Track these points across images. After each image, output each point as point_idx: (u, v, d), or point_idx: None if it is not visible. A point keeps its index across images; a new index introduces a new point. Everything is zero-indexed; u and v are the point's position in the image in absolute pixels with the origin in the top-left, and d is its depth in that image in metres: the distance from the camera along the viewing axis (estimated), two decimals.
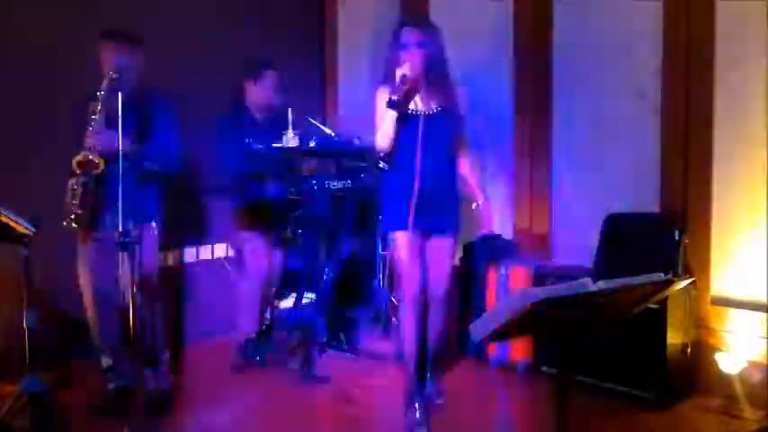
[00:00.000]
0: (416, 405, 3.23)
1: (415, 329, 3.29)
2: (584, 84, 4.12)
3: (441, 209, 3.24)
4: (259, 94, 4.17)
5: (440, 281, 3.33)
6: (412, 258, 3.25)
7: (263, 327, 4.46)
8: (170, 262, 4.54)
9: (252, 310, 4.25)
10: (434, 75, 3.18)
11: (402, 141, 3.19)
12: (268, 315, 4.51)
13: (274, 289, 4.51)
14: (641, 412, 3.37)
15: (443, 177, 3.26)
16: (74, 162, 3.12)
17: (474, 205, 3.40)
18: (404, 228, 3.20)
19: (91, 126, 3.13)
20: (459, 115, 3.27)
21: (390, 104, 3.07)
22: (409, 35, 3.15)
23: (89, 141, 3.12)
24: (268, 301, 4.42)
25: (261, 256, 4.22)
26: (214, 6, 4.72)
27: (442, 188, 3.24)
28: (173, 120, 3.46)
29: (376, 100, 3.25)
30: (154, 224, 3.42)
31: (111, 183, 2.93)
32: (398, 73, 3.08)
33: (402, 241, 3.25)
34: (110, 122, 3.08)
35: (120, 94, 2.95)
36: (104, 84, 3.10)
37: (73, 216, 3.14)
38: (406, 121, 3.18)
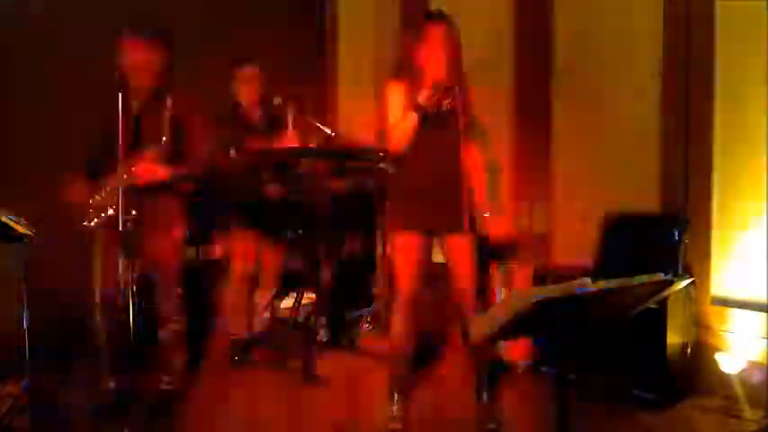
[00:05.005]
0: (395, 400, 3.23)
1: (406, 330, 3.22)
2: (584, 83, 4.12)
3: (451, 207, 3.12)
4: (244, 91, 4.16)
5: (465, 286, 3.19)
6: (408, 259, 3.17)
7: (264, 327, 4.46)
8: None
9: (236, 311, 4.24)
10: (456, 72, 3.10)
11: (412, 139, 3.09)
12: (267, 315, 4.51)
13: (274, 290, 4.52)
14: (641, 412, 3.37)
15: (453, 175, 3.14)
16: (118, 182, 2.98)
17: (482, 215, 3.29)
18: (403, 228, 3.15)
19: (121, 144, 2.91)
20: (470, 113, 3.17)
21: (417, 108, 3.00)
22: (438, 30, 3.06)
23: (129, 169, 3.00)
24: (254, 302, 4.40)
25: (248, 257, 4.22)
26: (214, 6, 4.72)
27: (451, 186, 3.13)
28: (199, 135, 3.37)
29: (387, 95, 3.14)
30: (175, 231, 3.38)
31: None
32: (436, 79, 2.99)
33: (400, 242, 3.18)
34: (141, 136, 3.00)
35: (120, 94, 2.93)
36: (118, 87, 2.93)
37: (96, 219, 3.10)
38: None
